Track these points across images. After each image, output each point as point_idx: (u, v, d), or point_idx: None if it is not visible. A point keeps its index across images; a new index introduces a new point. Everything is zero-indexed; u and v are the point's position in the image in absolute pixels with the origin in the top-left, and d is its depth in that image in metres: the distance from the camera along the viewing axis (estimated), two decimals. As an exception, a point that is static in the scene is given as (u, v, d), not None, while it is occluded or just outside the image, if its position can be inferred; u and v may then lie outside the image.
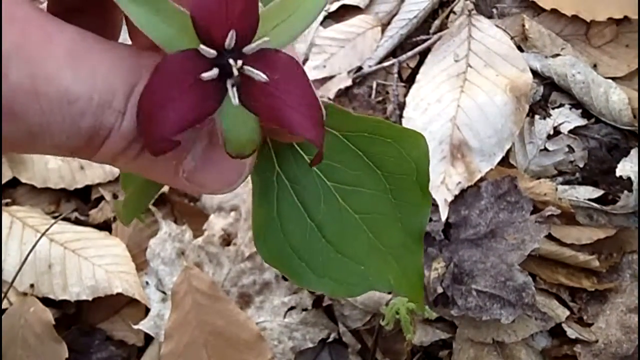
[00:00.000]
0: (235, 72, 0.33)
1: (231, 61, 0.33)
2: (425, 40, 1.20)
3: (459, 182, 1.01)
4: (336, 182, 0.57)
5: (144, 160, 0.33)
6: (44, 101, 0.28)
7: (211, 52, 0.33)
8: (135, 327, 1.03)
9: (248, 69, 0.33)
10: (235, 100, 0.33)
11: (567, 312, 0.98)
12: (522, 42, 1.18)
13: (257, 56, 0.34)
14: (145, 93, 0.31)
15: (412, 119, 1.07)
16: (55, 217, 1.15)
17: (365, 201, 0.54)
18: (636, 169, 1.00)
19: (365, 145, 0.55)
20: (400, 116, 1.09)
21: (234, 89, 0.33)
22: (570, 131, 1.06)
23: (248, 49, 0.34)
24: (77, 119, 0.29)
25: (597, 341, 0.95)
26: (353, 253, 0.59)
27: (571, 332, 0.96)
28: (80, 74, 0.29)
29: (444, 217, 1.00)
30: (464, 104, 1.05)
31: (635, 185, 0.98)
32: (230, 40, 0.33)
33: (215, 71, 0.33)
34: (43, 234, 1.08)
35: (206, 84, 0.33)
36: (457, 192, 1.01)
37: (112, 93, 0.30)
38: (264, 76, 0.33)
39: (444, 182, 1.01)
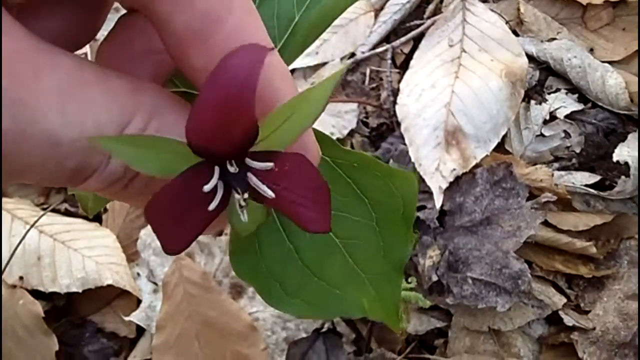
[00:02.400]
0: (239, 196, 0.33)
1: (234, 182, 0.33)
2: (419, 26, 1.18)
3: (454, 169, 0.99)
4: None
5: (129, 193, 0.32)
6: (28, 144, 0.27)
7: (213, 170, 0.32)
8: (127, 318, 1.02)
9: (253, 182, 0.33)
10: (244, 217, 0.34)
11: (564, 300, 0.96)
12: (518, 26, 1.16)
13: (260, 159, 0.33)
14: (153, 211, 0.32)
15: (406, 105, 1.05)
16: (44, 209, 1.13)
17: (350, 227, 0.54)
18: (634, 153, 0.98)
19: (355, 175, 0.54)
20: (394, 102, 1.08)
21: (239, 203, 0.33)
22: (566, 116, 1.04)
23: (250, 162, 0.33)
24: (61, 161, 0.28)
25: (594, 328, 0.94)
26: (330, 277, 0.59)
27: (568, 319, 0.95)
28: (68, 115, 0.28)
29: (438, 205, 0.98)
30: (459, 90, 1.04)
31: (632, 170, 0.97)
32: (231, 166, 0.33)
33: (215, 181, 0.32)
34: (32, 226, 1.07)
35: (212, 191, 0.33)
36: (451, 179, 0.99)
37: (101, 135, 0.29)
38: (270, 192, 0.33)
39: (439, 168, 0.99)
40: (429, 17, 1.20)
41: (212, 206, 0.32)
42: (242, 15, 0.30)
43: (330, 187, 0.56)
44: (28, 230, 1.06)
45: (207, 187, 0.31)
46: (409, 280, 0.90)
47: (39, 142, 0.27)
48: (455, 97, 1.03)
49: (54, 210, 1.14)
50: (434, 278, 0.95)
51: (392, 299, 0.60)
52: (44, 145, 0.27)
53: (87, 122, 0.28)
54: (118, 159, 0.30)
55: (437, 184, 0.99)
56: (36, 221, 1.07)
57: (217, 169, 0.33)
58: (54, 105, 0.27)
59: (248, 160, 0.34)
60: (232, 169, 0.33)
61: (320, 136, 0.54)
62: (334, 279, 0.59)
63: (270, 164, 0.33)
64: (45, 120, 0.27)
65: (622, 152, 0.99)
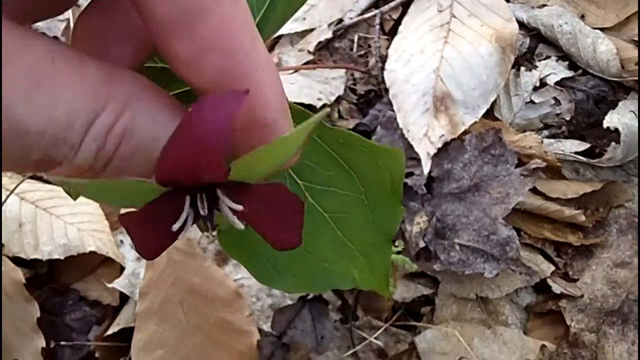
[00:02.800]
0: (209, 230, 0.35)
1: (202, 214, 0.34)
2: (408, -8, 1.16)
3: (442, 135, 0.98)
4: (307, 181, 0.56)
5: (102, 179, 0.30)
6: None
7: (183, 198, 0.33)
8: (110, 285, 1.00)
9: (223, 212, 0.34)
10: (210, 231, 0.35)
11: (552, 268, 0.95)
12: (508, -7, 1.14)
13: (232, 192, 0.34)
14: (128, 225, 0.33)
15: (394, 71, 1.03)
16: (25, 177, 1.11)
17: (337, 201, 0.54)
18: (624, 120, 0.97)
19: (342, 151, 0.54)
20: (382, 69, 1.06)
21: (209, 227, 0.35)
22: (556, 83, 1.03)
23: (221, 195, 0.34)
24: (27, 152, 0.27)
25: (582, 296, 0.93)
26: (319, 251, 0.58)
27: (556, 287, 0.94)
28: (36, 104, 0.26)
29: (426, 171, 0.97)
30: (448, 55, 1.02)
31: (623, 137, 0.96)
32: (201, 199, 0.34)
33: (186, 213, 0.33)
34: (11, 192, 1.05)
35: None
36: (440, 145, 0.98)
37: (70, 126, 0.27)
38: (240, 225, 0.34)
39: (427, 135, 0.98)
40: (418, -16, 1.18)
41: (176, 227, 0.33)
42: (229, 6, 0.29)
43: (318, 162, 0.56)
44: (7, 197, 1.04)
45: (175, 226, 0.32)
46: (396, 243, 0.89)
47: (5, 131, 0.26)
48: (445, 63, 1.01)
49: (35, 178, 1.12)
50: (421, 244, 0.94)
51: (382, 268, 0.60)
52: (9, 134, 0.26)
53: (56, 112, 0.26)
54: (87, 196, 0.31)
55: (425, 150, 0.97)
56: (16, 187, 1.05)
57: (187, 198, 0.34)
58: (21, 93, 0.26)
59: (219, 193, 0.34)
60: (200, 205, 0.34)
61: (305, 115, 0.53)
62: (323, 253, 0.59)
63: (240, 207, 0.34)
64: (12, 109, 0.25)
65: (613, 119, 0.98)
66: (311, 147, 0.54)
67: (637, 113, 0.99)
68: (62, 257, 1.02)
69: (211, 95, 0.30)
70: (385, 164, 0.54)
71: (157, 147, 0.29)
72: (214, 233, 0.36)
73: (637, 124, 0.97)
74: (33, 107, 0.26)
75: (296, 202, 0.38)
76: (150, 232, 0.35)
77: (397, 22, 1.11)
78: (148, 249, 0.36)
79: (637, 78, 0.99)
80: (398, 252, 0.91)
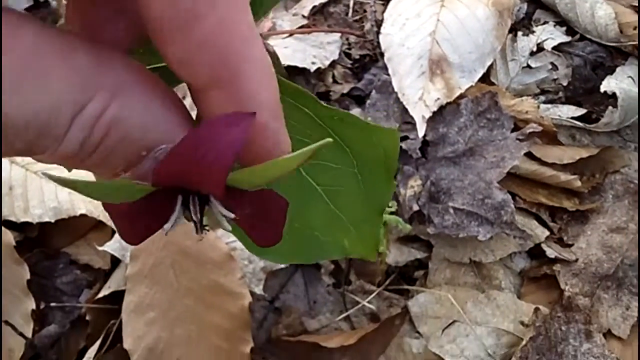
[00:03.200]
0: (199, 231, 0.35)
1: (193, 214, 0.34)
2: (405, -43, 1.14)
3: (438, 99, 0.97)
4: None
5: (87, 166, 0.30)
6: None
7: (175, 200, 0.34)
8: (100, 248, 0.99)
9: (214, 213, 0.35)
10: (200, 232, 0.36)
11: (547, 232, 0.95)
12: (506, -41, 1.13)
13: (225, 197, 0.35)
14: (113, 214, 0.36)
15: (389, 34, 1.02)
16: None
17: (331, 175, 0.54)
18: (622, 85, 0.96)
19: (336, 127, 0.54)
20: (378, 34, 1.05)
21: (199, 228, 0.35)
22: (554, 48, 1.02)
23: (214, 201, 0.35)
24: (10, 142, 0.26)
25: (577, 261, 0.93)
26: (311, 223, 0.59)
27: (550, 251, 0.93)
28: (22, 96, 0.25)
29: (421, 135, 0.96)
30: (444, 18, 1.01)
31: (620, 102, 0.95)
32: (193, 202, 0.34)
33: (177, 213, 0.34)
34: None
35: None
36: (435, 109, 0.97)
37: (55, 118, 0.26)
38: (228, 227, 0.35)
39: (422, 98, 0.97)
40: (415, -51, 1.16)
41: (168, 227, 0.33)
42: (224, 10, 0.28)
43: (312, 137, 0.55)
44: (-1, 159, 1.03)
45: (167, 226, 0.33)
46: (390, 204, 0.88)
47: None
48: (441, 26, 1.00)
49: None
50: (415, 208, 0.93)
51: (372, 238, 0.61)
52: None
53: (42, 101, 0.25)
54: (84, 194, 0.32)
55: (420, 113, 0.96)
56: (8, 150, 1.04)
57: (179, 199, 0.34)
58: (6, 85, 0.25)
59: (212, 198, 0.35)
60: (193, 209, 0.34)
61: (300, 92, 0.53)
62: (315, 225, 0.59)
63: (232, 215, 0.34)
64: None
65: (610, 84, 0.97)
66: (306, 122, 0.54)
67: (635, 78, 0.98)
68: (52, 220, 1.01)
69: (222, 115, 0.31)
70: (379, 141, 0.55)
71: (147, 137, 0.29)
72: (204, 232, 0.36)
73: (634, 89, 0.96)
74: (18, 99, 0.25)
75: (283, 204, 0.39)
76: (137, 223, 0.35)
77: (394, -13, 1.10)
78: (132, 237, 0.36)
79: (635, 43, 0.98)
80: (391, 213, 0.90)
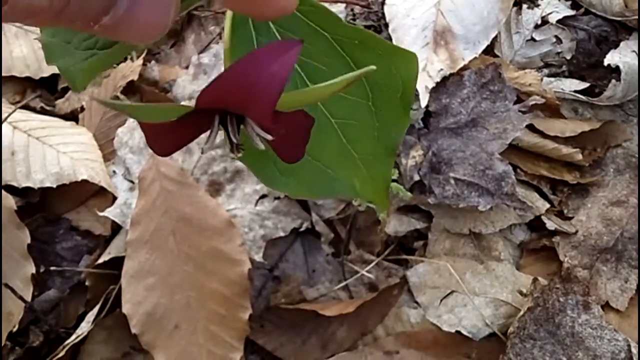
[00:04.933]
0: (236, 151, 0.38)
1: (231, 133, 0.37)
2: None
3: (441, 70, 0.97)
4: (317, 83, 0.55)
5: (60, 22, 0.29)
6: None
7: (212, 119, 0.36)
8: (101, 214, 0.99)
9: (248, 132, 0.37)
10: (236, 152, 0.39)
11: (547, 205, 0.95)
12: None
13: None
14: (147, 136, 0.38)
15: (394, 5, 1.02)
16: (21, 108, 1.10)
17: (345, 107, 0.54)
18: (625, 59, 0.96)
19: (355, 53, 0.54)
20: (382, 4, 1.04)
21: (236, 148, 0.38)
22: (558, 21, 1.01)
23: (251, 123, 0.37)
24: None
25: (576, 233, 0.93)
26: (323, 157, 0.58)
27: (550, 224, 0.93)
28: None
29: (424, 105, 0.96)
30: (449, -10, 1.00)
31: (623, 75, 0.95)
32: (233, 128, 0.37)
33: (215, 133, 0.37)
34: (4, 120, 1.03)
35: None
36: (438, 80, 0.96)
37: None
38: (261, 145, 0.37)
39: (426, 69, 0.97)
40: None
41: (207, 147, 0.37)
42: None
43: (329, 64, 0.55)
44: None
45: (206, 147, 0.36)
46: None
47: None
48: (446, -3, 1.00)
49: (29, 108, 1.11)
50: (416, 178, 0.93)
51: (382, 179, 0.60)
52: None
53: None
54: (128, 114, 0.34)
55: (423, 83, 0.96)
56: (8, 116, 1.04)
57: (217, 119, 0.37)
58: None
59: (249, 120, 0.37)
60: (231, 129, 0.37)
61: (323, 10, 0.53)
62: (327, 160, 0.59)
63: (270, 137, 0.37)
64: None
65: (614, 58, 0.96)
66: (324, 49, 0.54)
67: (638, 53, 0.97)
68: (54, 186, 1.01)
69: (271, 43, 0.32)
70: (398, 69, 0.54)
71: None
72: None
73: (638, 63, 0.96)
74: None
75: (310, 123, 0.41)
76: (169, 138, 0.38)
77: (399, -42, 1.09)
78: (162, 150, 0.39)
79: (638, 17, 0.98)
80: (393, 181, 0.90)
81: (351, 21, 1.07)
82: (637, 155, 0.96)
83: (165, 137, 0.38)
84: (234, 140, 0.37)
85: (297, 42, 0.33)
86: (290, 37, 0.56)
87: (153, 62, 1.13)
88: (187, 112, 0.35)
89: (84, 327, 0.94)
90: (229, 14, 0.50)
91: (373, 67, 0.38)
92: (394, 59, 0.54)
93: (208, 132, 0.38)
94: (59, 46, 0.59)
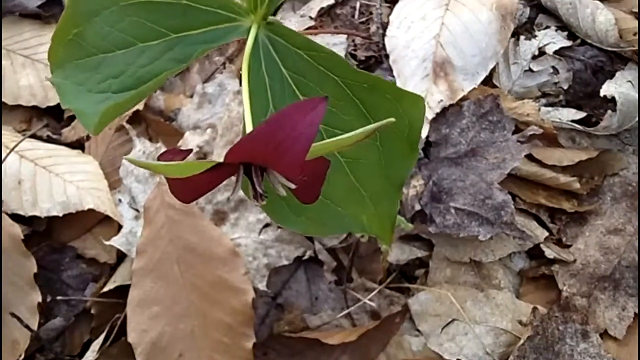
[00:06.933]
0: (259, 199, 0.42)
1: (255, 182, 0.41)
2: (410, -39, 1.16)
3: (441, 100, 0.98)
4: (327, 125, 0.58)
5: None
6: None
7: (237, 169, 0.40)
8: (107, 243, 1.01)
9: (271, 181, 0.40)
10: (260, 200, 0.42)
11: (546, 233, 0.96)
12: (510, -36, 1.14)
13: None
14: (171, 185, 0.41)
15: (395, 36, 1.04)
16: (25, 135, 1.11)
17: (354, 147, 0.56)
18: (621, 89, 0.98)
19: (364, 96, 0.57)
20: (383, 35, 1.06)
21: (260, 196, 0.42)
22: (555, 52, 1.03)
23: (275, 174, 0.41)
24: None
25: (575, 261, 0.94)
26: (333, 195, 0.60)
27: (549, 252, 0.95)
28: None
29: (424, 135, 0.98)
30: (449, 22, 1.02)
31: (619, 106, 0.96)
32: (257, 179, 0.40)
33: (239, 185, 0.41)
34: (12, 150, 1.05)
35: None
36: (438, 110, 0.98)
37: None
38: (283, 192, 0.41)
39: (426, 99, 0.98)
40: (421, -47, 1.18)
41: (234, 197, 0.39)
42: None
43: (338, 106, 0.58)
44: (7, 155, 1.04)
45: (233, 197, 0.39)
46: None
47: None
48: (445, 29, 1.02)
49: (35, 137, 1.12)
50: (417, 207, 0.95)
51: (389, 215, 0.62)
52: None
53: None
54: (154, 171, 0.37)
55: (425, 111, 0.98)
56: (16, 145, 1.06)
57: (241, 169, 0.40)
58: None
59: (273, 172, 0.40)
60: (257, 180, 0.40)
61: (333, 56, 0.55)
62: (337, 197, 0.61)
63: (294, 185, 0.39)
64: None
65: (610, 88, 0.98)
66: (333, 92, 0.56)
67: (634, 83, 0.99)
68: (60, 215, 1.02)
69: (297, 103, 0.35)
70: (405, 111, 0.56)
71: None
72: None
73: (633, 94, 0.98)
74: None
75: (327, 166, 0.44)
76: (193, 187, 0.41)
77: (399, -10, 1.12)
78: (185, 197, 0.43)
79: (635, 48, 1.00)
80: (394, 212, 0.91)
81: (353, 51, 1.09)
82: (633, 184, 0.97)
83: (190, 187, 0.40)
84: (259, 190, 0.39)
85: (322, 100, 0.35)
86: (301, 80, 0.58)
87: (158, 91, 1.14)
88: (213, 166, 0.38)
89: (90, 356, 0.95)
90: (245, 61, 0.53)
91: (392, 119, 0.40)
92: (401, 102, 0.56)
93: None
94: (72, 88, 0.61)
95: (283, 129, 0.34)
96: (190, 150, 0.43)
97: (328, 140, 0.41)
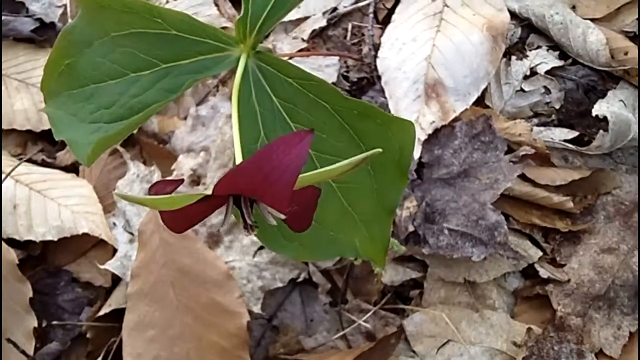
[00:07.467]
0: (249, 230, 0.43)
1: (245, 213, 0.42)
2: (402, -18, 1.17)
3: (433, 122, 0.99)
4: (318, 151, 0.58)
5: None
6: None
7: (226, 202, 0.42)
8: (102, 267, 1.01)
9: (261, 211, 0.41)
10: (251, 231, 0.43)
11: (540, 253, 0.97)
12: (501, -16, 1.15)
13: None
14: (163, 216, 0.42)
15: (386, 58, 1.04)
16: (21, 160, 1.12)
17: None
18: (613, 109, 0.98)
19: (354, 122, 0.57)
20: (375, 57, 1.07)
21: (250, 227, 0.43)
22: (547, 72, 1.04)
23: (264, 206, 0.42)
24: None
25: (569, 281, 0.95)
26: (325, 220, 0.61)
27: (543, 272, 0.95)
28: None
29: (416, 156, 0.98)
30: (440, 43, 1.03)
31: (611, 125, 0.97)
32: (247, 210, 0.41)
33: (229, 216, 0.43)
34: (7, 175, 1.06)
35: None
36: (430, 132, 0.99)
37: None
38: (273, 221, 0.41)
39: (418, 121, 0.99)
40: (412, -26, 1.18)
41: (223, 229, 0.41)
42: None
43: (329, 133, 0.58)
44: (4, 179, 1.05)
45: (222, 229, 0.41)
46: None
47: None
48: (436, 51, 1.03)
49: (30, 161, 1.13)
50: (411, 229, 0.95)
51: (381, 238, 0.63)
52: None
53: None
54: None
55: (415, 136, 0.98)
56: (11, 170, 1.06)
57: (230, 201, 0.41)
58: None
59: (263, 205, 0.41)
60: (246, 212, 0.41)
61: (322, 85, 0.56)
62: (329, 222, 0.61)
63: (283, 216, 0.40)
64: None
65: (602, 108, 0.99)
66: (324, 119, 0.56)
67: (626, 102, 1.00)
68: (55, 239, 1.03)
69: (283, 136, 0.36)
70: (395, 136, 0.57)
71: None
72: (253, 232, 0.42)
73: (625, 113, 0.98)
74: None
75: (317, 194, 0.44)
76: (184, 218, 0.42)
77: (391, 11, 1.12)
78: (176, 228, 0.44)
79: (626, 67, 1.01)
80: (387, 234, 0.92)
81: (345, 73, 1.10)
82: (627, 203, 0.98)
83: (181, 218, 0.41)
84: (248, 221, 0.40)
85: (308, 133, 0.36)
86: (292, 108, 0.58)
87: (152, 114, 1.15)
88: (202, 197, 0.38)
89: (86, 381, 0.95)
90: (235, 91, 0.53)
91: (379, 149, 0.41)
92: (391, 127, 0.57)
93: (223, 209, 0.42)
94: (65, 118, 0.61)
95: (270, 161, 0.35)
96: (182, 181, 0.44)
97: (316, 171, 0.42)
